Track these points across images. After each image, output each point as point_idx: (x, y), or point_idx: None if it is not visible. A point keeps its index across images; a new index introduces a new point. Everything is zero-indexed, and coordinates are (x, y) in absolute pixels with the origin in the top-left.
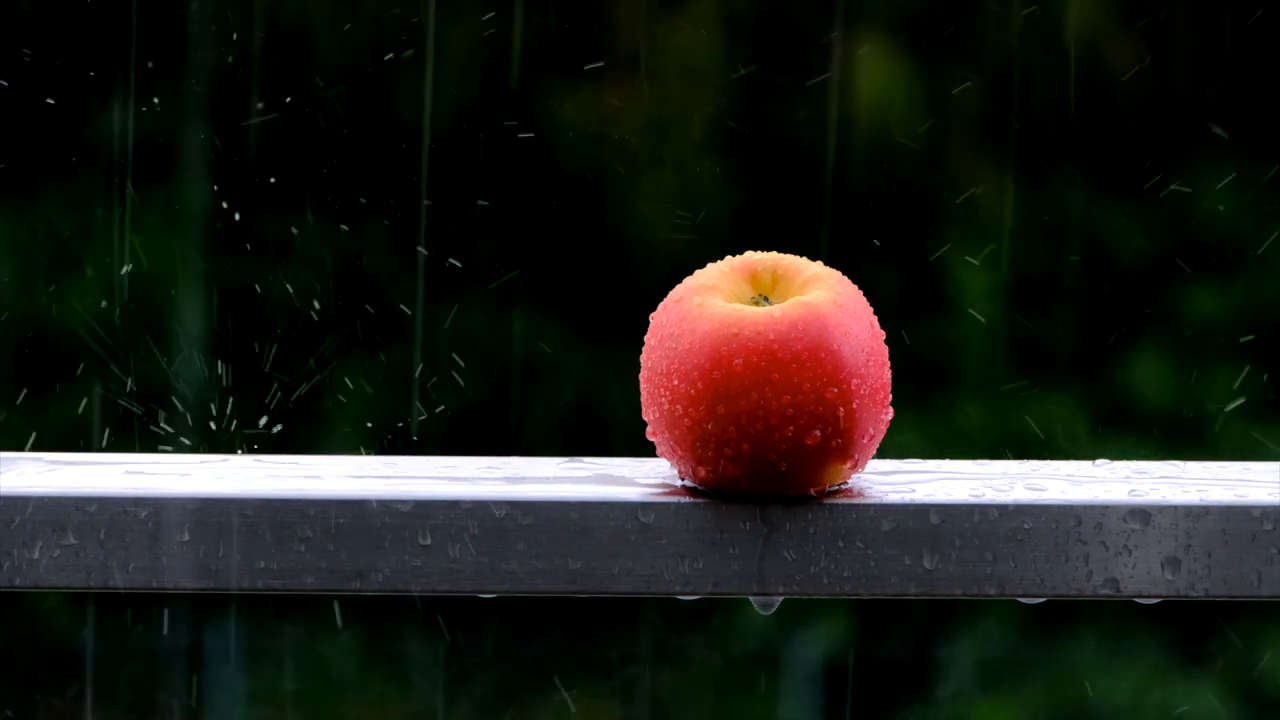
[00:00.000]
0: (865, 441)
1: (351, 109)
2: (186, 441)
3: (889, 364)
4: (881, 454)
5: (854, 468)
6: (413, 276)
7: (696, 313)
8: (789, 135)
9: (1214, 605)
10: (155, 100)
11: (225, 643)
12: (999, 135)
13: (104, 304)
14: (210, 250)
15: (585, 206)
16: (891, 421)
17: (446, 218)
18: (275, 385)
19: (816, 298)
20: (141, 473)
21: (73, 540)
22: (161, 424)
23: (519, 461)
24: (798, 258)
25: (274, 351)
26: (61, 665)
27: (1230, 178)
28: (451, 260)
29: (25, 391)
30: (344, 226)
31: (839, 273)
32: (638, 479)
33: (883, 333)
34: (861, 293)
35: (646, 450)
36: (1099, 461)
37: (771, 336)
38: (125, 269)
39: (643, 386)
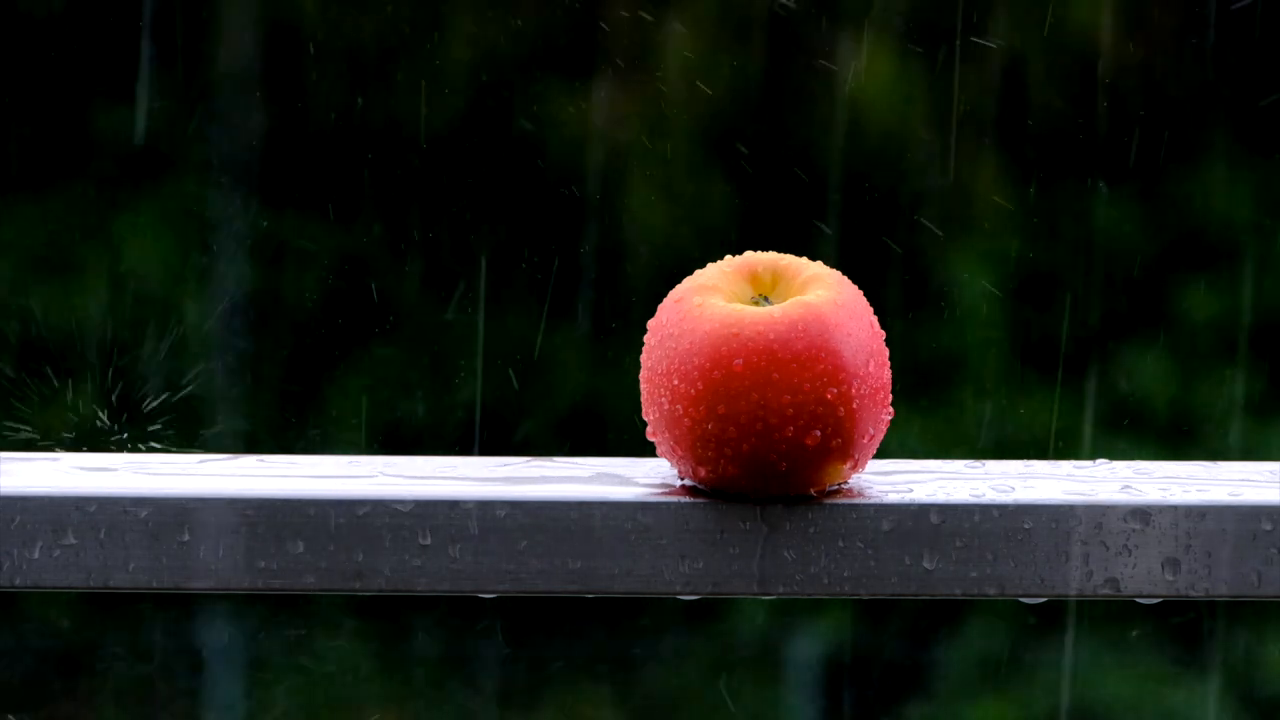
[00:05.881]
0: (865, 441)
1: (352, 109)
2: (186, 441)
3: (889, 364)
4: (881, 454)
5: (854, 468)
6: (413, 276)
7: (696, 313)
8: (788, 135)
9: (1214, 605)
10: (156, 100)
11: (225, 643)
12: (999, 134)
13: (104, 304)
14: (210, 250)
15: (585, 206)
16: (892, 421)
17: (447, 218)
18: (275, 385)
19: (816, 298)
20: (141, 473)
21: (73, 540)
22: (162, 424)
23: (519, 461)
24: (798, 258)
25: (274, 351)
26: (62, 665)
27: (1232, 176)
28: (451, 260)
29: (25, 392)
30: (344, 226)
31: (839, 273)
32: (638, 479)
33: (883, 333)
34: (861, 293)
35: (646, 450)
36: (1099, 461)
37: (772, 336)
38: (125, 269)
39: (643, 386)
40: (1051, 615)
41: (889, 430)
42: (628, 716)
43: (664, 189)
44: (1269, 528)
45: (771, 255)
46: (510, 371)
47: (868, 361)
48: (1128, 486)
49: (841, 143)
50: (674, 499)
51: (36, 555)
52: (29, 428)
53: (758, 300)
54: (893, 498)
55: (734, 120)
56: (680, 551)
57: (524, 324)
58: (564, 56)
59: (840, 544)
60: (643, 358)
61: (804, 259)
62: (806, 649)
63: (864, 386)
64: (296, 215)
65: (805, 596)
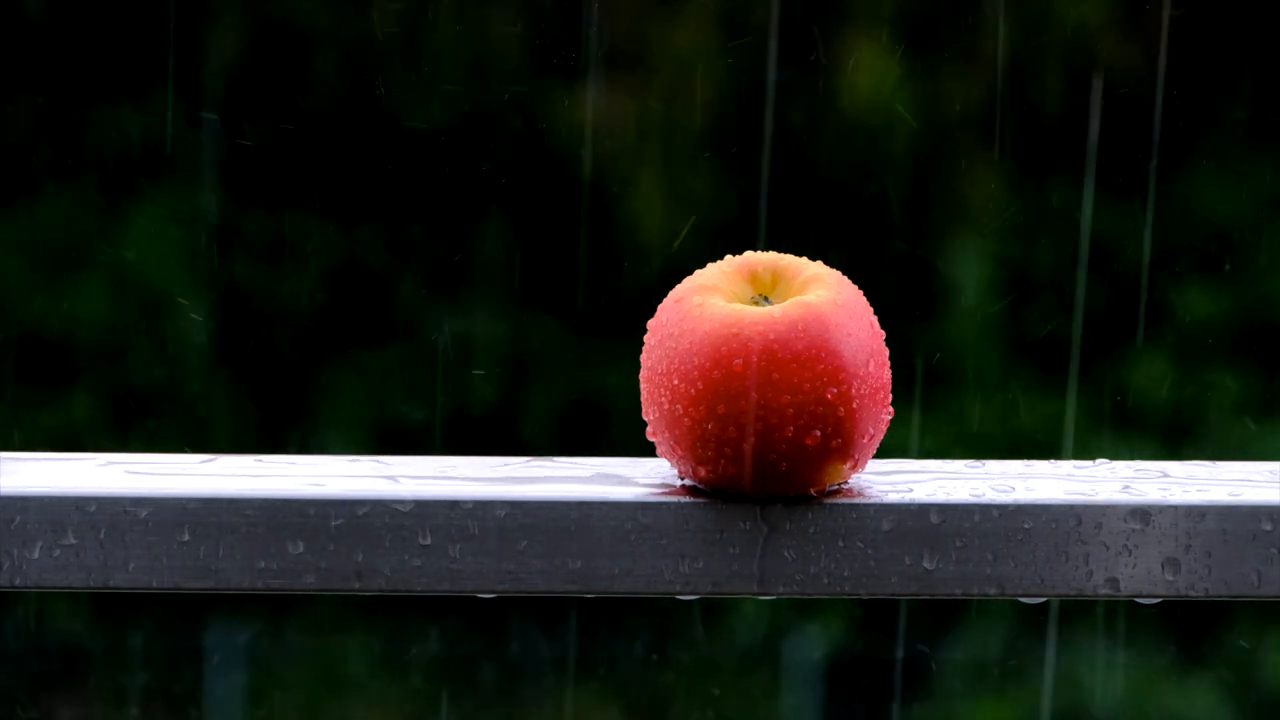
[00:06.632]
0: (865, 441)
1: (351, 108)
2: (186, 442)
3: (889, 364)
4: (881, 454)
5: (854, 468)
6: (412, 276)
7: (696, 312)
8: (788, 134)
9: (1214, 605)
10: (154, 100)
11: (225, 643)
12: (999, 134)
13: (104, 304)
14: (209, 250)
15: (584, 206)
16: (891, 421)
17: (445, 217)
18: (275, 385)
19: (816, 298)
20: (141, 473)
21: (73, 540)
22: (161, 424)
23: (519, 461)
24: (798, 258)
25: (273, 351)
26: (62, 665)
27: (1231, 176)
28: (450, 260)
29: (25, 392)
30: (343, 226)
31: (839, 273)
32: (638, 479)
33: (883, 333)
34: (861, 293)
35: (646, 450)
36: (1099, 461)
37: (772, 336)
38: (125, 269)
39: (643, 386)
40: (1051, 615)
41: (889, 430)
42: (627, 717)
43: (664, 188)
44: (1269, 528)
45: (771, 255)
46: (509, 371)
47: (868, 361)
48: (1128, 486)
49: (841, 142)
50: (674, 499)
51: (36, 555)
52: (28, 428)
53: (758, 300)
54: (893, 498)
55: (734, 120)
56: (680, 551)
57: (523, 323)
58: (564, 55)
59: (840, 544)
60: (643, 357)
61: (804, 259)
62: (806, 649)
63: (864, 386)
64: (295, 215)
65: (805, 596)
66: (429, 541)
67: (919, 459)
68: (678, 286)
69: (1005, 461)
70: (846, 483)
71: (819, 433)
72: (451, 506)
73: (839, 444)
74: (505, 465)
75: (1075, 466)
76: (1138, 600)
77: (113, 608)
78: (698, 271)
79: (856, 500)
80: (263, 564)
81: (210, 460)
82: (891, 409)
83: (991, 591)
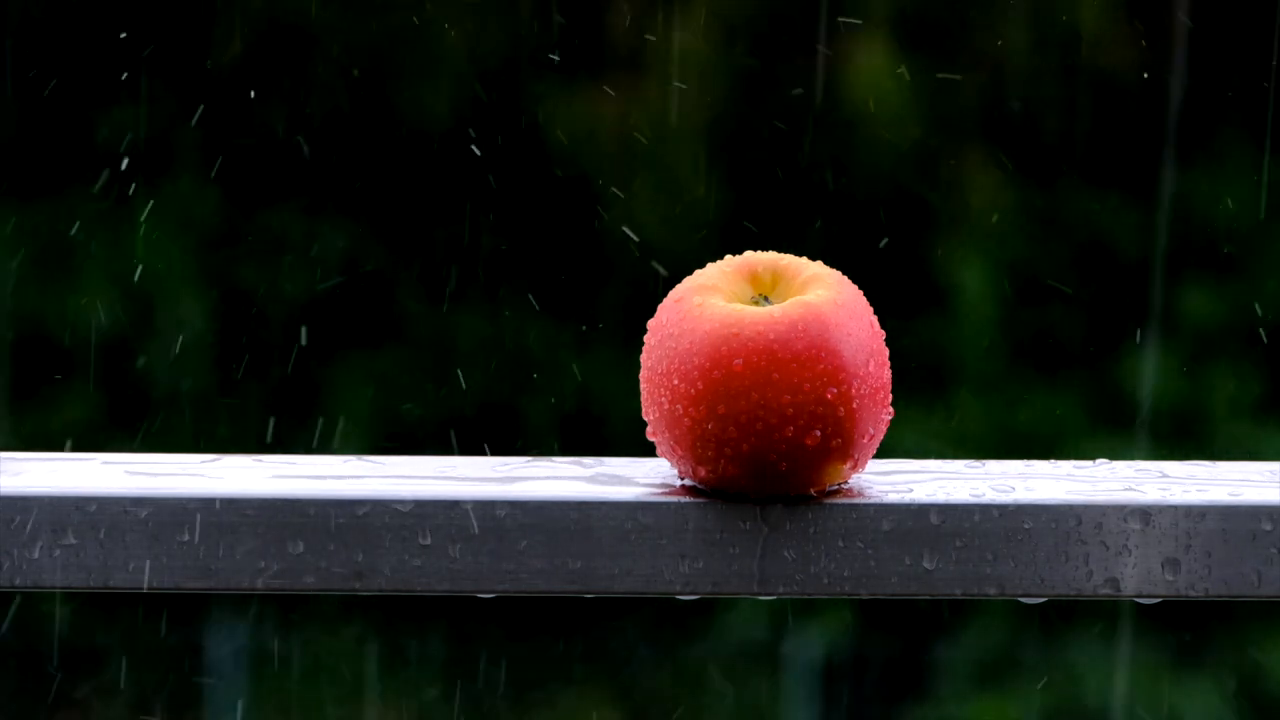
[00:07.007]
0: (865, 441)
1: (351, 108)
2: (186, 441)
3: (889, 364)
4: (881, 454)
5: (854, 468)
6: (412, 276)
7: (696, 312)
8: (787, 135)
9: (1214, 605)
10: (156, 100)
11: (225, 643)
12: (999, 134)
13: (104, 304)
14: (210, 250)
15: (584, 206)
16: (891, 421)
17: (445, 217)
18: (275, 385)
19: (816, 297)
20: (141, 473)
21: (73, 540)
22: (161, 424)
23: (519, 461)
24: (798, 257)
25: (273, 351)
26: (62, 665)
27: (1231, 177)
28: (451, 260)
29: (24, 391)
30: (343, 226)
31: (839, 273)
32: (638, 479)
33: (883, 333)
34: (861, 293)
35: (646, 450)
36: (1099, 461)
37: (772, 336)
38: (125, 269)
39: (643, 386)
40: (1051, 615)
41: (889, 430)
42: (627, 716)
43: (664, 188)
44: (1269, 528)
45: (771, 255)
46: (509, 371)
47: (868, 361)
48: (1128, 487)
49: (841, 143)
50: (674, 499)
51: (36, 555)
52: (28, 427)
53: (758, 300)
54: (893, 498)
55: (733, 120)
56: (680, 551)
57: (523, 323)
58: (564, 57)
59: (840, 544)
60: (643, 357)
61: (804, 259)
62: (806, 649)
63: (864, 386)
64: (295, 214)
65: (805, 596)
66: (429, 541)
67: (919, 459)
68: (678, 286)
69: (1005, 461)
70: (846, 483)
71: (819, 433)
72: (451, 506)
73: (839, 444)
74: (505, 465)
75: (1075, 466)
76: (1138, 600)
77: (112, 607)
78: (698, 271)
79: (856, 500)
80: (263, 564)
81: (211, 460)
82: (891, 409)
83: (991, 591)
